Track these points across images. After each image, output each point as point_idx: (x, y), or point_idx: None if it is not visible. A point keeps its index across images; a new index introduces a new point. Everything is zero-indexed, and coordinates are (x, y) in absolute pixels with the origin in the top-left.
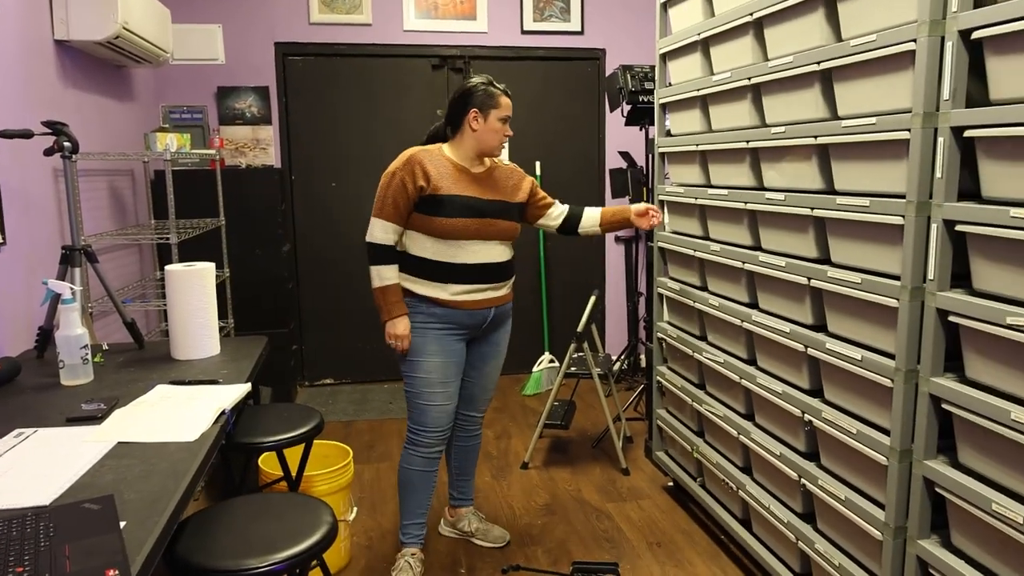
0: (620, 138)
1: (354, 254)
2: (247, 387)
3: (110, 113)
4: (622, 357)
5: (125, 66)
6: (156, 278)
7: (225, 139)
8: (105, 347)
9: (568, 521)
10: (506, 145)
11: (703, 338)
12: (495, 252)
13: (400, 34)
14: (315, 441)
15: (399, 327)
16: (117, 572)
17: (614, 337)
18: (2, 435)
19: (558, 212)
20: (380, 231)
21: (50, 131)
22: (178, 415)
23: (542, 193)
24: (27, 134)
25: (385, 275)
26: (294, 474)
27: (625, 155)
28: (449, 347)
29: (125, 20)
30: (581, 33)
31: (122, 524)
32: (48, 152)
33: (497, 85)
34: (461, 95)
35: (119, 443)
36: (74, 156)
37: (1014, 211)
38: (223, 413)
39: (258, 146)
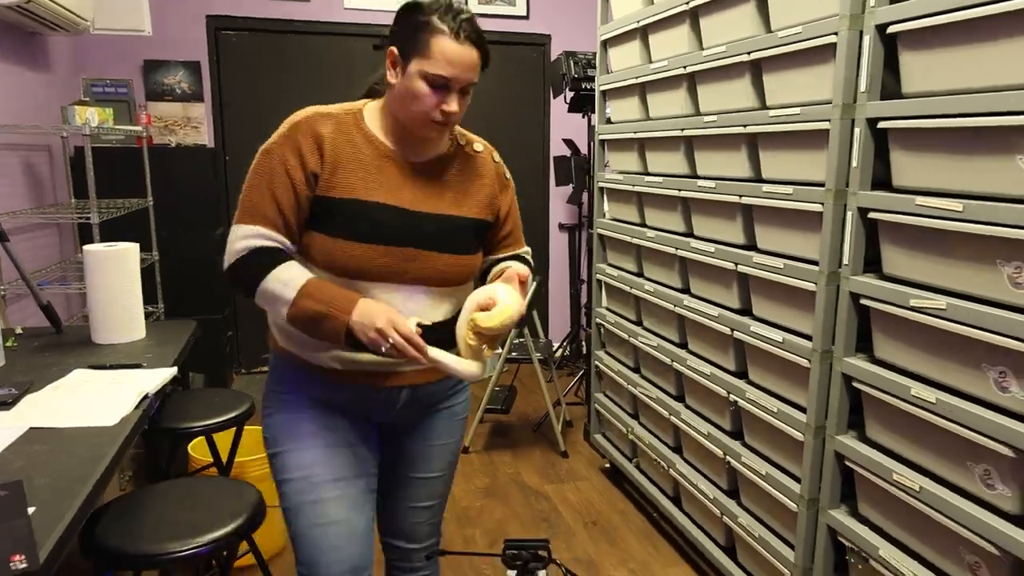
0: (565, 125)
1: None
2: (172, 371)
3: (21, 83)
4: (564, 343)
5: (40, 33)
6: (77, 260)
7: (153, 116)
8: (19, 331)
9: (507, 503)
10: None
11: (639, 323)
12: (422, 306)
13: (340, 11)
14: (249, 427)
15: (376, 314)
16: (23, 557)
17: (557, 323)
18: None
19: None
20: (242, 239)
21: None
22: (97, 400)
23: (511, 226)
24: None
25: (285, 279)
26: (224, 460)
27: (569, 143)
28: (334, 424)
29: None
30: (526, 18)
31: (31, 510)
32: None
33: (451, 15)
34: (395, 17)
35: (31, 428)
36: None
37: (919, 199)
38: (146, 397)
39: (189, 124)
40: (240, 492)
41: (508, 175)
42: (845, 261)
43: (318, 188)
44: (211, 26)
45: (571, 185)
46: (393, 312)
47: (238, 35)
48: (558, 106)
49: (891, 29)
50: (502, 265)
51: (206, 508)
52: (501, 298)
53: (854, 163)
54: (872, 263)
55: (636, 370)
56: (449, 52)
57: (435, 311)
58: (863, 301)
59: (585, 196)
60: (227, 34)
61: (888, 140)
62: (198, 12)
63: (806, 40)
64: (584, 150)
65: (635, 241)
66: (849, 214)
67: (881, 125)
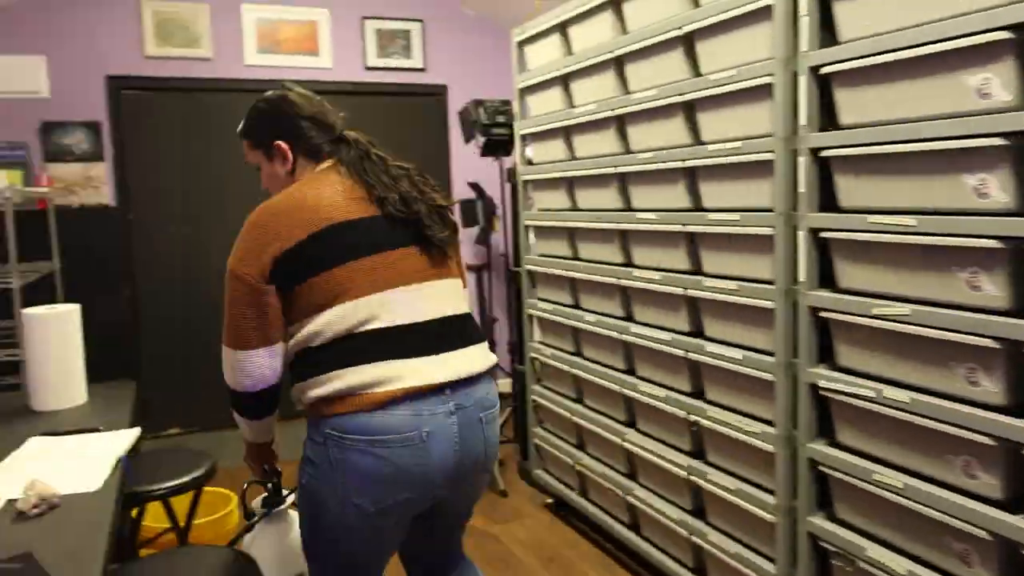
0: (469, 169)
1: (195, 300)
2: (136, 432)
3: None
4: None
5: None
6: None
7: (53, 177)
8: None
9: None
10: None
11: (578, 354)
12: None
13: (241, 68)
14: (208, 488)
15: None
16: None
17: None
18: None
19: None
20: None
21: None
22: (68, 467)
23: None
24: None
25: None
26: (182, 523)
27: (475, 186)
28: None
29: None
30: (423, 70)
31: None
32: None
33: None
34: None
35: (8, 501)
36: None
37: (871, 218)
38: (119, 460)
39: (89, 184)
40: (232, 568)
41: None
42: (800, 278)
43: None
44: (112, 86)
45: (478, 227)
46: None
47: (139, 94)
48: (458, 151)
49: (824, 70)
50: None
51: None
52: None
53: (801, 188)
54: (824, 279)
55: (578, 400)
56: None
57: None
58: (823, 314)
59: (496, 236)
60: (128, 93)
61: (831, 167)
62: (98, 72)
63: (740, 81)
64: (491, 192)
65: (570, 274)
66: (800, 234)
67: (824, 154)
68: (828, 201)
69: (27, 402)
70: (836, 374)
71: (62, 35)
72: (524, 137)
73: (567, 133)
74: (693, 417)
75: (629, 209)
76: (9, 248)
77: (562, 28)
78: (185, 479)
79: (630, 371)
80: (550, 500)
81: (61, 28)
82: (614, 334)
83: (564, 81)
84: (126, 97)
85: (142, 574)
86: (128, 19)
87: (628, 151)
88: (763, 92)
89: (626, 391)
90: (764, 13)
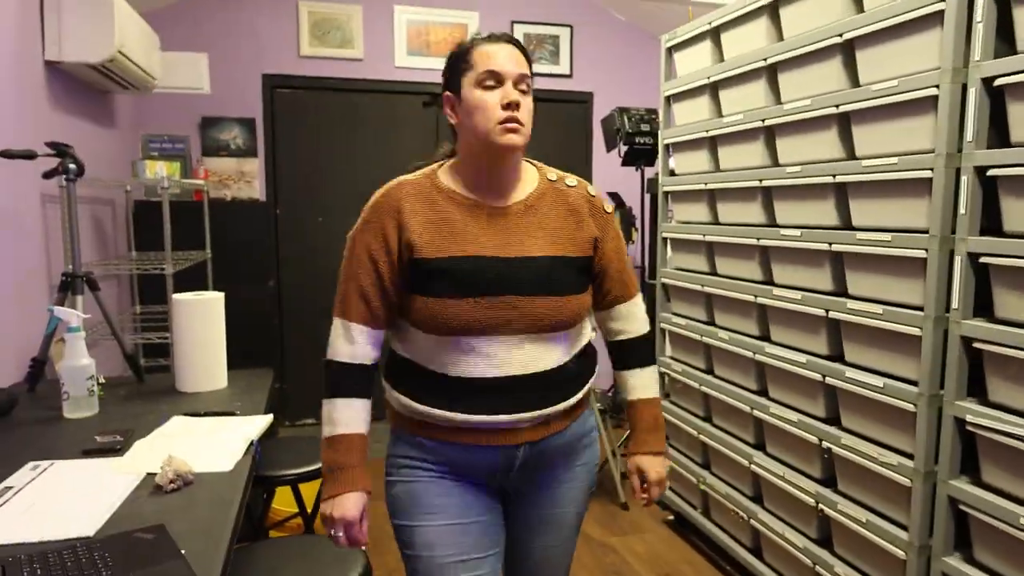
0: (608, 179)
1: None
2: (269, 418)
3: (93, 139)
4: (608, 394)
5: (109, 91)
6: (136, 312)
7: (208, 170)
8: (102, 380)
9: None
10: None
11: (709, 372)
12: (530, 355)
13: (392, 70)
14: None
15: (340, 507)
16: None
17: (598, 375)
18: (15, 468)
19: (616, 328)
20: (337, 340)
21: (53, 152)
22: (204, 446)
23: (616, 271)
24: (30, 154)
25: (334, 416)
26: (309, 509)
27: (614, 196)
28: (459, 493)
29: (121, 43)
30: (570, 76)
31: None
32: (49, 175)
33: (480, 35)
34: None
35: (148, 474)
36: (77, 179)
37: None
38: (252, 444)
39: (242, 179)
40: (350, 559)
41: (608, 207)
42: (954, 305)
43: (413, 254)
44: (267, 84)
45: None
46: (343, 510)
47: (292, 93)
48: (600, 160)
49: (999, 82)
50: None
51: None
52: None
53: (962, 210)
54: (980, 307)
55: (707, 419)
56: (487, 50)
57: (545, 358)
58: (977, 344)
59: (632, 247)
60: (282, 92)
61: (998, 188)
62: (255, 70)
63: (903, 93)
64: (630, 203)
65: (706, 290)
66: (958, 259)
67: (992, 173)
68: (988, 224)
69: (174, 383)
70: (987, 409)
71: (223, 33)
72: (668, 147)
73: (713, 144)
74: (826, 444)
75: (773, 225)
76: (165, 236)
77: (714, 33)
78: (312, 467)
79: (762, 392)
80: (671, 516)
81: (223, 26)
82: (748, 353)
83: (713, 89)
84: (280, 95)
85: (265, 555)
86: (285, 19)
87: (775, 164)
88: (926, 105)
89: (756, 412)
90: (934, 19)
